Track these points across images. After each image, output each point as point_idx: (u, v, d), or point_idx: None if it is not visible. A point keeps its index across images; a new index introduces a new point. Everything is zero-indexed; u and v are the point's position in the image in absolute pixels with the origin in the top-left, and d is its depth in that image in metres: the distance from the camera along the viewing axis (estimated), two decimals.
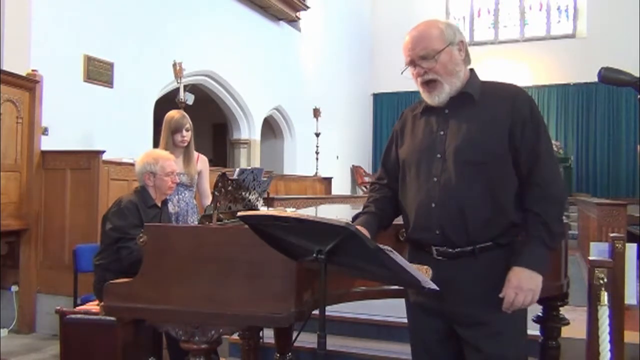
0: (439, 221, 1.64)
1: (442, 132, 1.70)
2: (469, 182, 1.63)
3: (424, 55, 1.68)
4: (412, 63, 1.71)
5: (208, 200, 3.51)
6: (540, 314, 2.65)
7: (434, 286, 1.39)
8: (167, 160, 2.99)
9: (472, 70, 1.77)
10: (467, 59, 1.74)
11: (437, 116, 1.74)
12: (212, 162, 4.81)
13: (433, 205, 1.65)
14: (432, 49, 1.67)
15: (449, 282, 1.61)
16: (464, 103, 1.71)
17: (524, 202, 1.65)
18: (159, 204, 2.99)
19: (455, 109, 1.71)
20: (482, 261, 1.63)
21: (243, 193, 2.28)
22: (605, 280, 2.05)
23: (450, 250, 1.65)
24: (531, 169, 1.64)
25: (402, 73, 1.77)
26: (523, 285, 1.57)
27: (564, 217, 1.75)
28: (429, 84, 1.70)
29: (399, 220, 1.90)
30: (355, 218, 1.83)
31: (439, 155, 1.68)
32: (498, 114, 1.66)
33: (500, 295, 1.59)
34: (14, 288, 4.50)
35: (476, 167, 1.63)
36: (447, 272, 1.63)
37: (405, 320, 1.84)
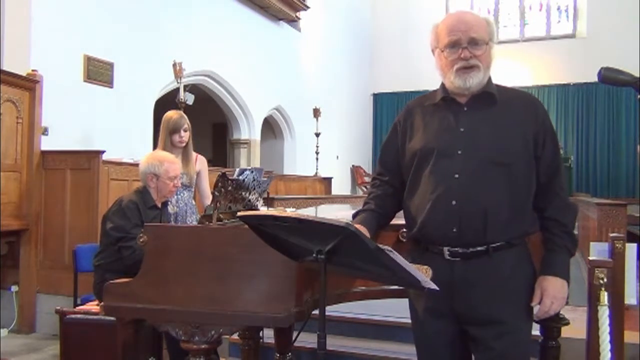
0: (458, 219, 1.61)
1: (462, 129, 1.66)
2: (492, 182, 1.61)
3: (475, 40, 1.64)
4: (458, 44, 1.64)
5: (208, 200, 3.51)
6: None
7: (433, 286, 1.38)
8: (173, 164, 2.97)
9: None
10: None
11: (455, 112, 1.69)
12: (212, 162, 4.81)
13: (454, 202, 1.61)
14: (483, 37, 1.65)
15: (463, 282, 1.62)
16: (484, 102, 1.68)
17: (542, 210, 1.68)
18: (159, 206, 2.99)
19: (474, 107, 1.68)
20: (495, 260, 1.62)
21: (243, 193, 2.28)
22: (605, 280, 2.05)
23: (465, 250, 1.63)
24: (551, 178, 1.67)
25: (437, 51, 1.70)
26: (558, 294, 1.62)
27: None
28: (467, 69, 1.64)
29: (399, 220, 1.90)
30: (355, 215, 1.82)
31: (459, 152, 1.64)
32: (522, 118, 1.67)
33: (533, 304, 1.63)
34: (14, 288, 4.51)
35: (501, 168, 1.61)
36: (461, 272, 1.62)
37: (405, 320, 1.84)
